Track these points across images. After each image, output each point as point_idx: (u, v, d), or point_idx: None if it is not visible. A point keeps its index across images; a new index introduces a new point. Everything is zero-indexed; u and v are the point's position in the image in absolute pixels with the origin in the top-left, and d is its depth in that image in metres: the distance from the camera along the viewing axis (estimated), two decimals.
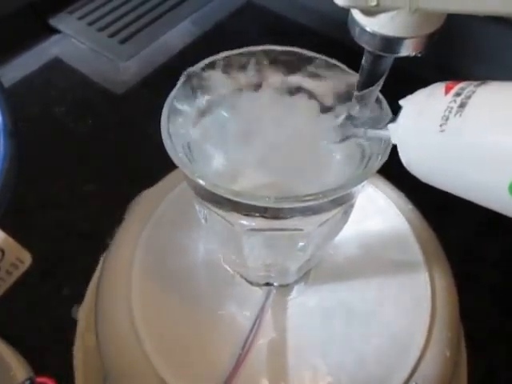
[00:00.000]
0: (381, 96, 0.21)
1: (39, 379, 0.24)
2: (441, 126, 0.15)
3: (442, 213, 0.35)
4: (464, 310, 0.30)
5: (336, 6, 0.16)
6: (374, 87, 0.20)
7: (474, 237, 0.44)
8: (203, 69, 0.24)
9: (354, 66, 0.23)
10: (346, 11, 0.18)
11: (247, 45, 0.25)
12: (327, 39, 0.57)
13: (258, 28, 0.63)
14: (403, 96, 0.18)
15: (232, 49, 0.25)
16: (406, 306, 0.29)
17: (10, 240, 0.19)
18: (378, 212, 0.33)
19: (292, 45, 0.25)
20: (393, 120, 0.18)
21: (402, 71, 0.19)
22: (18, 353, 0.33)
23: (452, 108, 0.15)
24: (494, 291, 0.41)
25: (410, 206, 0.33)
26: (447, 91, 0.15)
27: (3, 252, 0.18)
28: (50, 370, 0.27)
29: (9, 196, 0.19)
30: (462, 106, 0.14)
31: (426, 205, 0.33)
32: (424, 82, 0.17)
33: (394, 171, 0.21)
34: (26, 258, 0.20)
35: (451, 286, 0.30)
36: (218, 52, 0.25)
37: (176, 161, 0.21)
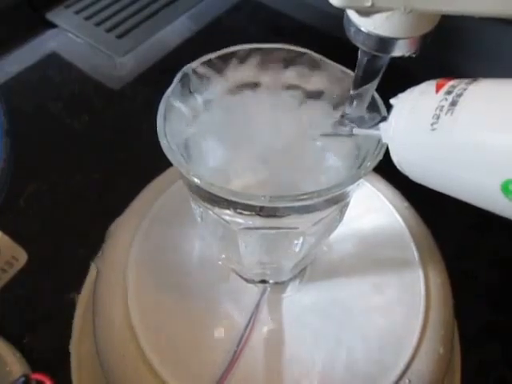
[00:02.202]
0: (376, 95, 0.21)
1: (34, 375, 0.24)
2: (432, 124, 0.15)
3: (436, 210, 0.35)
4: (457, 307, 0.30)
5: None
6: (369, 86, 0.20)
7: (469, 234, 0.44)
8: (199, 67, 0.24)
9: (352, 63, 0.23)
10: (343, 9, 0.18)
11: (244, 41, 0.25)
12: (325, 36, 0.57)
13: (255, 24, 0.62)
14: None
15: (229, 45, 0.24)
16: (400, 304, 0.29)
17: (6, 238, 0.19)
18: (373, 210, 0.33)
19: (289, 41, 0.25)
20: (384, 119, 0.17)
21: (399, 70, 0.19)
22: (14, 349, 0.33)
23: (443, 106, 0.14)
24: (487, 288, 0.41)
25: (405, 204, 0.33)
26: (438, 89, 0.15)
27: None
28: (48, 368, 0.27)
29: (4, 195, 0.19)
30: (453, 104, 0.14)
31: (420, 202, 0.33)
32: (421, 81, 0.17)
33: (389, 169, 0.21)
34: (22, 256, 0.20)
35: (445, 284, 0.30)
36: (215, 48, 0.24)
37: (172, 159, 0.21)
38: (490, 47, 0.52)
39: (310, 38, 0.55)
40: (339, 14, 0.19)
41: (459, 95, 0.14)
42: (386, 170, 0.21)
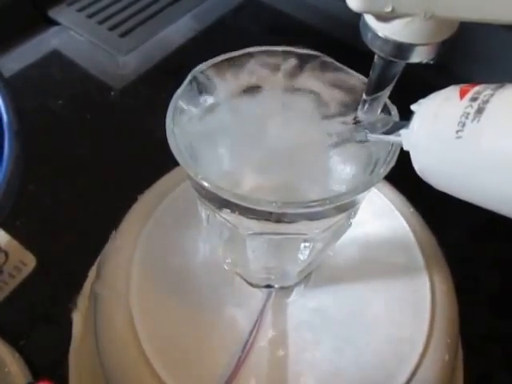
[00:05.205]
0: (388, 101, 0.21)
1: (40, 383, 0.24)
2: (457, 132, 0.14)
3: (440, 215, 0.35)
4: (460, 312, 0.30)
5: (339, 4, 0.16)
6: (383, 92, 0.19)
7: (473, 239, 0.44)
8: (208, 69, 0.24)
9: (357, 65, 0.23)
10: (348, 10, 0.17)
11: (248, 41, 0.25)
12: (329, 37, 0.57)
13: (259, 24, 0.62)
14: (403, 96, 0.17)
15: (232, 45, 0.24)
16: (405, 310, 0.29)
17: (15, 243, 0.19)
18: (379, 215, 0.32)
19: (294, 42, 0.25)
20: (405, 125, 0.17)
21: (402, 72, 0.19)
22: (13, 350, 0.33)
23: (469, 114, 0.14)
24: (490, 293, 0.41)
25: (411, 210, 0.33)
26: (462, 95, 0.15)
27: (7, 255, 0.18)
28: (48, 370, 0.27)
29: (13, 198, 0.19)
30: (480, 111, 0.14)
31: (425, 207, 0.33)
32: (424, 83, 0.17)
33: (394, 173, 0.21)
34: (30, 261, 0.19)
35: (451, 290, 0.30)
36: (218, 48, 0.24)
37: (180, 161, 0.20)
38: (494, 50, 0.52)
39: (315, 40, 0.55)
40: (343, 16, 0.18)
41: (486, 102, 0.14)
42: (392, 175, 0.21)
